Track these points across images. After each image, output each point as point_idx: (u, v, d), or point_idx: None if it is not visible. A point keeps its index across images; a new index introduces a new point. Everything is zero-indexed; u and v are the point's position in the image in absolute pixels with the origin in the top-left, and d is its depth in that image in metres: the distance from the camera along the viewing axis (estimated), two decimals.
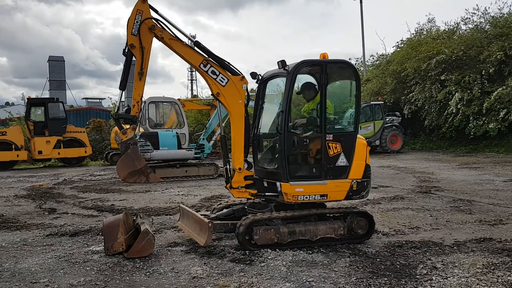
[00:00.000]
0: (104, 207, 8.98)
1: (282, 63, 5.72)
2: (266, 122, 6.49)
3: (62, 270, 4.88)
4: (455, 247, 5.59)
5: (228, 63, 6.12)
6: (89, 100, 53.34)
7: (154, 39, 6.50)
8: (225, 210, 6.24)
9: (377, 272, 4.66)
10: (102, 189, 11.97)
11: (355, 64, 34.13)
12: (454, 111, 21.27)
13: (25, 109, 20.85)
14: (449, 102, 21.51)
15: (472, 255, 5.25)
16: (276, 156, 5.96)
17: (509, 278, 4.38)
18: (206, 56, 6.09)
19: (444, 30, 26.19)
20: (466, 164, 16.14)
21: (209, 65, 6.02)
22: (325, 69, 5.87)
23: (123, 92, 7.51)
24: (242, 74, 6.14)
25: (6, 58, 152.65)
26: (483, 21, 23.88)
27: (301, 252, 5.40)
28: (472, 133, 21.06)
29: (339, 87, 6.87)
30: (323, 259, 5.13)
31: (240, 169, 6.06)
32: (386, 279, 4.43)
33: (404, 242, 5.87)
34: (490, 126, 20.06)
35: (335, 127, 6.35)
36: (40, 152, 19.70)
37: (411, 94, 23.99)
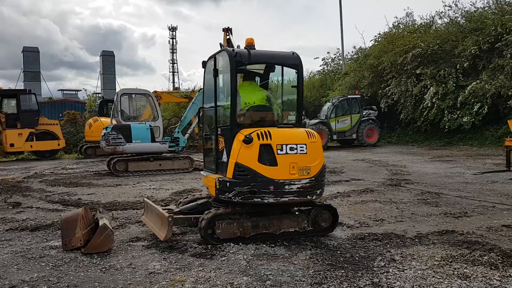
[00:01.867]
0: (71, 201, 8.82)
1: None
2: None
3: (16, 266, 4.75)
4: (416, 240, 5.63)
5: None
6: (65, 92, 52.68)
7: None
8: (189, 204, 6.16)
9: (335, 264, 4.65)
10: (71, 182, 11.77)
11: (334, 57, 34.31)
12: (429, 105, 21.51)
13: None
14: (425, 96, 21.75)
15: (432, 247, 5.28)
16: None
17: (465, 270, 4.42)
18: None
19: (421, 24, 26.43)
20: (439, 157, 16.35)
21: None
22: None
23: None
24: None
25: None
26: (458, 16, 24.19)
27: (264, 245, 5.37)
28: (446, 127, 21.34)
29: None
30: (284, 252, 5.11)
31: None
32: (343, 271, 4.43)
33: (366, 234, 5.89)
34: (464, 120, 20.35)
35: (224, 120, 5.89)
36: (12, 145, 19.30)
37: (388, 88, 24.18)
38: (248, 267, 4.59)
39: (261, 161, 5.26)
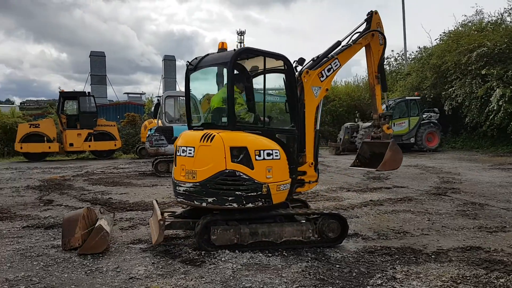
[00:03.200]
0: (101, 200, 9.00)
1: None
2: None
3: (10, 264, 4.82)
4: (432, 256, 5.08)
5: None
6: (130, 95, 55.19)
7: None
8: (189, 208, 5.98)
9: (326, 279, 4.27)
10: (113, 182, 12.08)
11: (397, 57, 32.92)
12: (495, 108, 19.89)
13: (58, 103, 21.51)
14: (490, 99, 20.16)
15: (446, 265, 4.73)
16: None
17: None
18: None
19: (489, 22, 24.61)
20: (500, 165, 15.05)
21: None
22: None
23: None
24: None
25: (66, 54, 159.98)
26: None
27: (260, 254, 5.07)
28: None
29: None
30: (278, 263, 4.79)
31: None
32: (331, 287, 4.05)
33: (379, 248, 5.41)
34: None
35: None
36: (71, 145, 20.30)
37: (451, 90, 22.71)
38: (232, 278, 4.33)
39: (173, 162, 5.63)
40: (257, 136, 5.24)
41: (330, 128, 28.91)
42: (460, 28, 25.64)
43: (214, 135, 5.04)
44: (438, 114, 22.57)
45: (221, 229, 5.16)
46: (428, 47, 28.69)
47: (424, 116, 22.26)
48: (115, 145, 21.38)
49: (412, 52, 33.04)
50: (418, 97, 22.55)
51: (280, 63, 5.55)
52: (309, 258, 4.97)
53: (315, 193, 9.62)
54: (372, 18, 6.89)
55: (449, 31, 26.12)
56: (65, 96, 21.19)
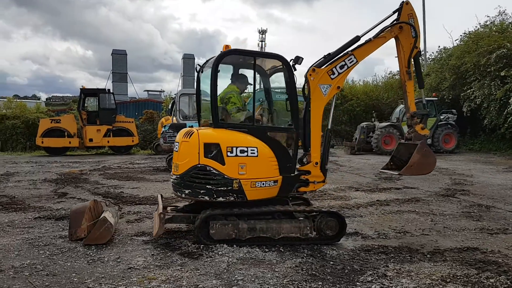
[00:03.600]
0: (113, 194, 9.25)
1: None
2: None
3: (17, 252, 5.06)
4: (428, 256, 5.14)
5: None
6: (150, 92, 55.92)
7: None
8: (192, 202, 6.16)
9: (317, 275, 4.38)
10: (127, 177, 12.36)
11: None
12: None
13: (78, 99, 22.00)
14: (509, 101, 19.83)
15: (440, 265, 4.79)
16: None
17: None
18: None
19: (511, 23, 24.16)
20: None
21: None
22: None
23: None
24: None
25: (92, 51, 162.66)
26: None
27: (257, 249, 5.22)
28: None
29: None
30: (273, 258, 4.92)
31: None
32: (320, 283, 4.16)
33: (377, 246, 5.48)
34: None
35: None
36: (91, 140, 20.77)
37: (470, 91, 22.41)
38: (225, 271, 4.48)
39: None
40: (235, 134, 5.41)
41: (347, 128, 28.83)
42: (481, 29, 25.23)
43: (193, 132, 5.36)
44: (456, 116, 22.30)
45: (220, 223, 5.31)
46: (449, 48, 28.31)
47: (441, 117, 22.02)
48: (133, 141, 21.77)
49: (432, 52, 32.65)
50: (435, 98, 22.32)
51: (278, 62, 5.69)
52: (305, 255, 5.09)
53: (323, 192, 9.70)
54: (402, 9, 6.37)
55: (469, 32, 25.75)
56: (86, 92, 21.65)
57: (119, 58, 51.36)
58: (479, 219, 7.18)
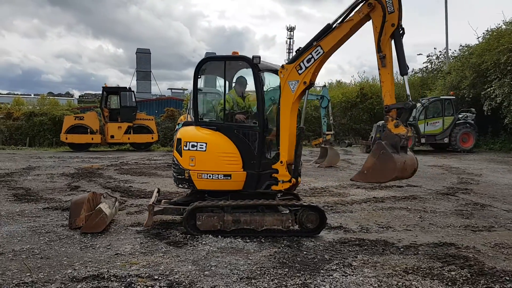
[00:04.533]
0: (121, 188, 9.75)
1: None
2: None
3: (20, 238, 5.56)
4: (401, 249, 5.37)
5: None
6: (173, 90, 56.95)
7: None
8: (184, 196, 6.56)
9: (286, 263, 4.70)
10: (140, 172, 12.89)
11: (439, 55, 32.19)
12: None
13: (101, 97, 22.78)
14: None
15: (408, 258, 5.03)
16: None
17: (412, 283, 4.20)
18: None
19: None
20: None
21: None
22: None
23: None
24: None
25: (122, 49, 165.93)
26: None
27: (240, 240, 5.56)
28: None
29: None
30: (252, 248, 5.25)
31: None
32: (287, 270, 4.48)
33: (354, 239, 5.75)
34: None
35: None
36: (112, 137, 21.52)
37: (490, 90, 22.12)
38: (203, 258, 4.84)
39: None
40: (196, 130, 6.09)
41: (366, 126, 28.80)
42: (504, 27, 24.81)
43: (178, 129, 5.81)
44: (475, 115, 22.05)
45: (206, 215, 5.69)
46: (471, 45, 27.91)
47: (460, 116, 21.83)
48: (152, 138, 22.42)
49: (455, 50, 32.24)
50: (453, 97, 22.12)
51: (245, 64, 6.06)
52: (283, 245, 5.40)
53: (324, 189, 9.96)
54: None
55: (491, 29, 25.36)
56: (108, 90, 22.42)
57: (143, 56, 52.56)
58: (468, 217, 7.32)
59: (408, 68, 5.34)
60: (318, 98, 15.91)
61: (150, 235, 5.78)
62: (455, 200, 8.86)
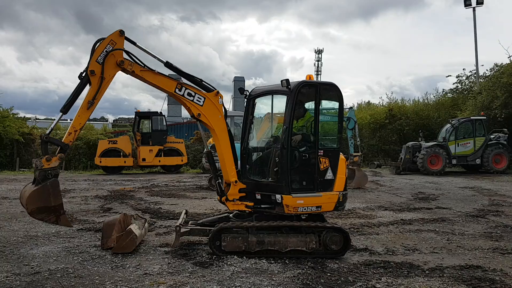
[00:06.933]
0: (151, 210, 10.02)
1: (286, 82, 6.09)
2: (255, 136, 6.89)
3: (55, 257, 5.84)
4: (427, 272, 5.37)
5: (201, 80, 6.45)
6: None
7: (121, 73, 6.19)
8: (210, 217, 6.74)
9: (310, 285, 4.78)
10: (170, 194, 13.17)
11: (469, 75, 31.71)
12: None
13: (133, 121, 23.42)
14: None
15: (433, 280, 5.03)
16: (275, 169, 6.26)
17: None
18: (179, 80, 6.33)
19: None
20: None
21: (183, 88, 6.17)
22: (319, 90, 6.24)
23: (63, 115, 6.13)
24: (215, 89, 6.46)
25: None
26: None
27: (264, 261, 5.67)
28: None
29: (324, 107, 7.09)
30: (276, 269, 5.36)
31: (236, 182, 6.43)
32: None
33: (379, 261, 5.77)
34: None
35: (322, 143, 6.47)
36: (143, 160, 22.04)
37: None
38: (228, 278, 4.98)
39: None
40: None
41: (396, 147, 28.47)
42: None
43: None
44: (507, 135, 21.56)
45: (231, 236, 5.84)
46: (501, 64, 27.43)
47: (492, 136, 21.40)
48: (182, 160, 22.82)
49: (486, 70, 31.70)
50: (484, 117, 21.74)
51: None
52: (307, 267, 5.49)
53: (350, 211, 9.96)
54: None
55: None
56: (140, 115, 23.07)
57: None
58: (498, 239, 7.21)
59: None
60: (344, 120, 15.97)
61: (178, 255, 5.96)
62: (485, 222, 8.72)
